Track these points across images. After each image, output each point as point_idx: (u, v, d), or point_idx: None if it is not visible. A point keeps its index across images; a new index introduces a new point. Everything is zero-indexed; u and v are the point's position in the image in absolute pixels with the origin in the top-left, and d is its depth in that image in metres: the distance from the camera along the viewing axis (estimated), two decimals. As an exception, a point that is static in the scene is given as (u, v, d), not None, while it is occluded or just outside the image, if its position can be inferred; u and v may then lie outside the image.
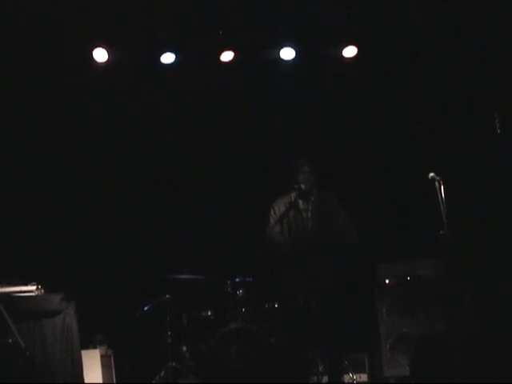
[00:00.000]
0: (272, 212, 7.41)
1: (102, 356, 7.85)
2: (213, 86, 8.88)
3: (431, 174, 6.70)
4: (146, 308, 7.87)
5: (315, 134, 8.99)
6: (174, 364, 7.71)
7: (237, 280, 7.77)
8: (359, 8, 8.26)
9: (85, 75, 8.55)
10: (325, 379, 7.35)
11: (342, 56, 8.77)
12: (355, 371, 7.83)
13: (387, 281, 8.08)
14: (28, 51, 8.22)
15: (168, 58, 8.67)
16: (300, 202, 7.39)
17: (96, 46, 8.38)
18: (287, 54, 8.77)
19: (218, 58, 8.73)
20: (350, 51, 8.75)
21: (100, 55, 8.46)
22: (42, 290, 7.00)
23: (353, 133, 9.05)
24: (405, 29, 8.43)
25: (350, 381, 7.66)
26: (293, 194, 7.31)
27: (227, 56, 8.75)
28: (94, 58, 8.47)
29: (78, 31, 8.11)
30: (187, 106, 9.07)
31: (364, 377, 8.06)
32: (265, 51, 8.78)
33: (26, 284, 6.95)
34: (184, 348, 7.75)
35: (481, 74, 8.36)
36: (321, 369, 7.36)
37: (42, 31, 8.08)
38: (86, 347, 7.64)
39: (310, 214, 7.37)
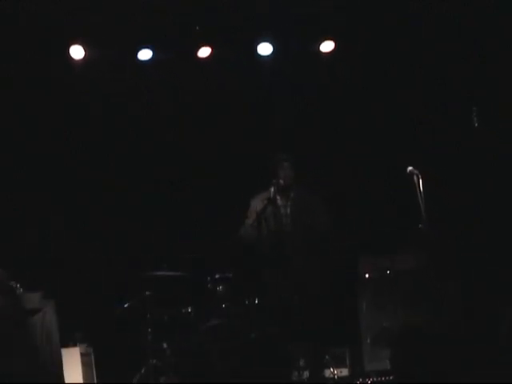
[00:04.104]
0: (250, 208, 7.40)
1: (82, 354, 7.81)
2: (191, 82, 8.85)
3: (409, 168, 6.70)
4: (126, 305, 7.83)
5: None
6: (154, 361, 7.68)
7: (217, 276, 7.73)
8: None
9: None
10: (306, 374, 7.37)
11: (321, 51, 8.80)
12: (336, 366, 7.83)
13: (367, 275, 8.10)
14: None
15: (145, 54, 8.66)
16: (278, 198, 7.38)
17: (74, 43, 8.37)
18: (264, 49, 8.77)
19: (195, 54, 8.71)
20: (328, 46, 8.77)
21: (77, 52, 8.43)
22: (21, 289, 6.97)
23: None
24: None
25: (331, 375, 7.66)
26: (271, 190, 7.30)
27: (204, 52, 8.73)
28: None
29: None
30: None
31: (345, 371, 8.08)
32: (243, 46, 8.78)
33: (4, 283, 6.92)
34: (165, 345, 7.73)
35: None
36: (302, 364, 7.38)
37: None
38: (66, 345, 7.59)
39: (288, 210, 7.37)
